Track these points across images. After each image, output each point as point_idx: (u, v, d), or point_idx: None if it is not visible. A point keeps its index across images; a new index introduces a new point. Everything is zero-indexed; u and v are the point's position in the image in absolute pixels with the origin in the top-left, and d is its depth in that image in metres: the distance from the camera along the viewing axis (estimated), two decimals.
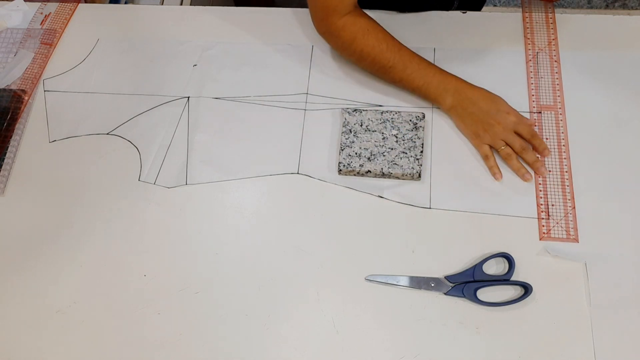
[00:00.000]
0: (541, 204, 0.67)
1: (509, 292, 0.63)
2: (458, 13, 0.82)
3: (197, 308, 0.65)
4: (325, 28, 0.74)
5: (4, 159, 0.76)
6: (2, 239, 0.71)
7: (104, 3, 1.02)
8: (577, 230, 0.66)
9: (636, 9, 1.76)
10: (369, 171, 0.70)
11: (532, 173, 0.69)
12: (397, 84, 0.74)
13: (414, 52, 0.73)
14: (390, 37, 0.73)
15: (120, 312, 0.65)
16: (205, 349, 0.63)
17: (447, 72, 0.72)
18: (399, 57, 0.72)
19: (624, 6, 1.76)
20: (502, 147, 0.69)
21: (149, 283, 0.67)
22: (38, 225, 0.71)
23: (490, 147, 0.70)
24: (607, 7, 1.76)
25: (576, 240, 0.65)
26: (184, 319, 0.64)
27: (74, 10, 0.89)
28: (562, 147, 0.71)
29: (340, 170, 0.71)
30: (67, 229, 0.71)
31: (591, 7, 1.77)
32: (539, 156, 0.70)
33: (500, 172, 0.69)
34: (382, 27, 0.73)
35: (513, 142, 0.69)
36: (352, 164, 0.70)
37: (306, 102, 0.77)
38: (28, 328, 0.65)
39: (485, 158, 0.70)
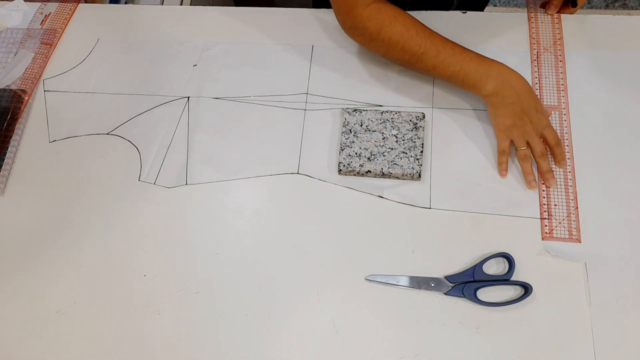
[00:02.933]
0: (544, 204, 0.67)
1: (509, 292, 0.63)
2: (458, 13, 0.82)
3: (197, 308, 0.65)
4: (351, 21, 0.70)
5: (4, 159, 0.76)
6: (2, 239, 0.71)
7: (104, 3, 1.02)
8: (579, 230, 0.65)
9: (636, 9, 1.76)
10: (369, 171, 0.70)
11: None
12: (431, 72, 0.71)
13: (446, 38, 0.69)
14: (419, 23, 0.69)
15: (120, 312, 0.65)
16: (205, 349, 0.63)
17: (484, 56, 0.69)
18: (431, 42, 0.68)
19: (624, 6, 1.76)
20: (522, 148, 0.68)
21: (149, 283, 0.67)
22: (38, 225, 0.71)
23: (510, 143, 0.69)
24: (607, 7, 1.77)
25: (578, 240, 0.65)
26: (184, 319, 0.64)
27: (74, 10, 0.89)
28: (566, 147, 0.70)
29: (340, 170, 0.71)
30: (67, 229, 0.71)
31: (591, 7, 1.77)
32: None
33: (507, 171, 0.69)
34: (409, 14, 0.70)
35: (535, 145, 0.67)
36: (352, 164, 0.70)
37: (306, 102, 0.77)
38: (28, 328, 0.65)
39: (502, 153, 0.69)
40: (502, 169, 0.69)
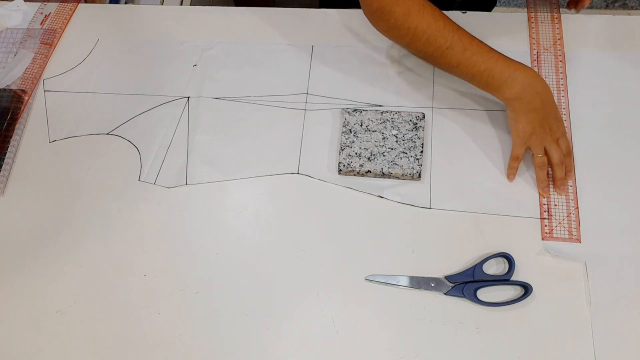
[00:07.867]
0: (544, 204, 0.67)
1: (509, 292, 0.63)
2: (458, 13, 0.82)
3: (197, 308, 0.65)
4: (378, 4, 0.66)
5: (4, 159, 0.76)
6: (2, 239, 0.71)
7: (104, 3, 1.02)
8: (579, 230, 0.65)
9: (636, 8, 1.76)
10: (369, 171, 0.70)
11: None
12: (454, 69, 0.67)
13: (472, 35, 0.66)
14: (447, 16, 0.66)
15: (120, 312, 0.65)
16: (205, 349, 0.63)
17: (511, 58, 0.65)
18: (458, 37, 0.65)
19: (624, 6, 1.76)
20: (539, 155, 0.66)
21: (149, 283, 0.67)
22: (38, 225, 0.71)
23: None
24: (607, 7, 1.77)
25: (578, 240, 0.65)
26: (184, 319, 0.64)
27: (74, 10, 0.89)
28: None
29: (340, 170, 0.71)
30: (67, 229, 0.71)
31: (591, 7, 1.77)
32: None
33: (515, 176, 0.68)
34: (434, 5, 0.67)
35: (554, 152, 0.66)
36: (352, 164, 0.70)
37: (306, 102, 0.77)
38: (28, 328, 0.65)
39: (515, 159, 0.67)
40: (511, 174, 0.68)
